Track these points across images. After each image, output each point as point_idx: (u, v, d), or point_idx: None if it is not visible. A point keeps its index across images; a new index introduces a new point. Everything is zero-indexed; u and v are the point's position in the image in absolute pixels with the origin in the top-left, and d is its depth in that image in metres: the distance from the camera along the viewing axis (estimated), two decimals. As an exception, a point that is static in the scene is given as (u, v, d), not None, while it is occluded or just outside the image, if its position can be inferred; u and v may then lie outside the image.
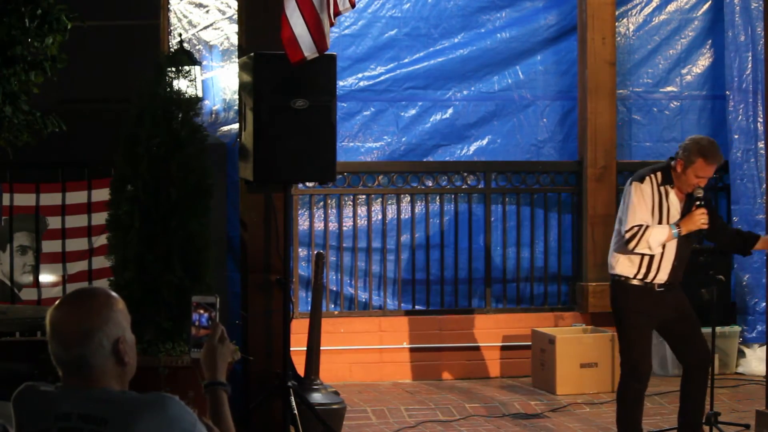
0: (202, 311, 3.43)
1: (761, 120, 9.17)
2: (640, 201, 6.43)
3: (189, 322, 3.44)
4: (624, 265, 6.53)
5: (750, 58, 9.24)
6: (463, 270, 9.13)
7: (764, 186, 9.02)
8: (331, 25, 6.19)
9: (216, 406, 3.29)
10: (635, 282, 6.52)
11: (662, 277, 6.52)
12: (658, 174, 6.48)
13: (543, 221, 9.29)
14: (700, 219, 6.41)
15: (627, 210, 6.45)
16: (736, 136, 9.27)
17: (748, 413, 7.52)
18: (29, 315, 6.58)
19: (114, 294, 3.11)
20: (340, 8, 6.17)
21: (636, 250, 6.42)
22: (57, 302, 3.09)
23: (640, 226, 6.38)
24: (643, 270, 6.50)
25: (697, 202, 6.44)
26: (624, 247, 6.46)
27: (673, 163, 6.49)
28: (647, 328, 6.59)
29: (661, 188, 6.46)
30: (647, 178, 6.46)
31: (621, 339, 6.63)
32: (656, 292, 6.54)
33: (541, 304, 9.25)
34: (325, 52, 6.20)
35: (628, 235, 6.39)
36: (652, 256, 6.47)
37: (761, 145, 9.13)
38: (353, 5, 6.28)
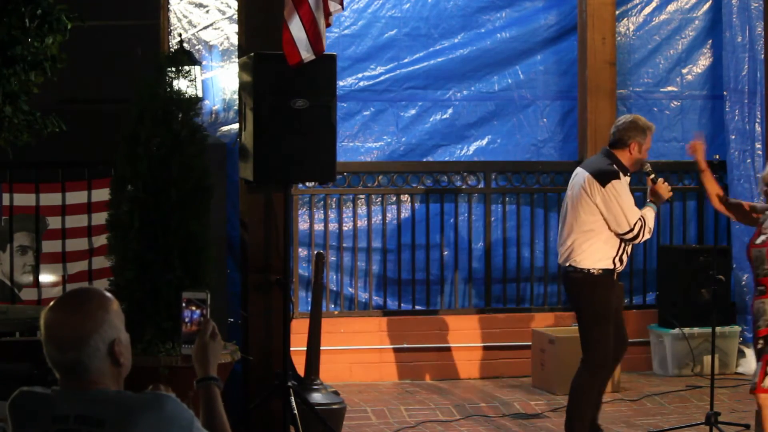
0: (193, 308, 3.42)
1: (759, 120, 9.17)
2: (628, 196, 6.65)
3: (179, 318, 3.43)
4: (594, 259, 6.67)
5: (747, 58, 9.24)
6: (463, 270, 9.13)
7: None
8: (328, 26, 6.23)
9: (209, 401, 3.29)
10: (606, 274, 6.67)
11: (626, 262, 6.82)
12: (616, 167, 6.68)
13: (543, 221, 9.29)
14: (666, 189, 6.73)
15: (620, 208, 6.60)
16: (732, 137, 9.28)
17: (748, 413, 7.52)
18: (29, 315, 6.57)
19: (108, 294, 3.10)
20: (331, 9, 6.19)
21: (643, 240, 6.71)
22: (51, 304, 3.07)
23: (640, 218, 6.61)
24: (619, 257, 6.70)
25: (652, 176, 6.74)
26: (611, 241, 6.64)
27: (615, 151, 6.69)
28: (612, 319, 6.76)
29: (624, 178, 6.72)
30: (619, 173, 6.66)
31: (594, 332, 6.67)
32: (615, 281, 6.79)
33: (541, 304, 9.25)
34: (323, 54, 6.22)
35: (636, 231, 6.60)
36: (624, 245, 6.67)
37: (758, 146, 9.14)
38: (342, 5, 6.31)
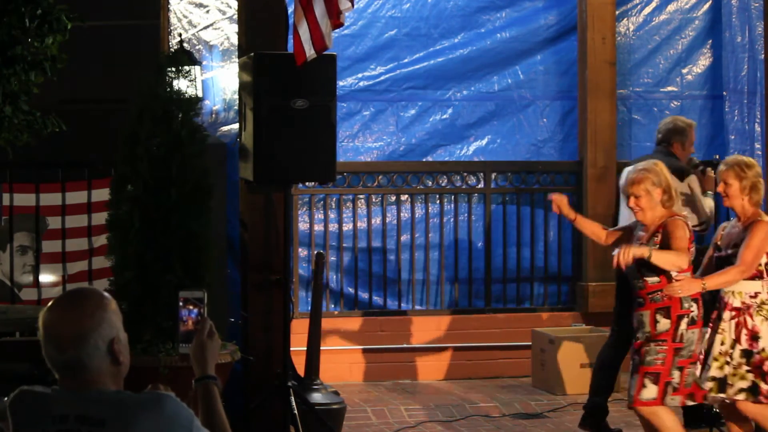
0: (191, 306, 3.42)
1: (759, 120, 9.17)
2: (699, 190, 7.29)
3: (177, 317, 3.43)
4: None
5: (747, 58, 9.25)
6: (463, 270, 9.12)
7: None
8: (341, 25, 6.21)
9: (208, 400, 3.29)
10: None
11: None
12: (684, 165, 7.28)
13: (543, 221, 9.29)
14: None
15: (698, 199, 7.18)
16: (732, 137, 9.29)
17: (748, 413, 7.51)
18: (29, 315, 6.57)
19: (106, 294, 3.11)
20: (341, 7, 6.18)
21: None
22: (49, 304, 3.07)
23: (710, 210, 7.28)
24: None
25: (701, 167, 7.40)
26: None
27: (671, 148, 7.25)
28: None
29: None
30: (690, 170, 7.26)
31: None
32: None
33: (541, 304, 9.25)
34: (324, 52, 6.21)
35: (707, 223, 7.25)
36: None
37: (758, 146, 9.14)
38: (352, 4, 6.31)
